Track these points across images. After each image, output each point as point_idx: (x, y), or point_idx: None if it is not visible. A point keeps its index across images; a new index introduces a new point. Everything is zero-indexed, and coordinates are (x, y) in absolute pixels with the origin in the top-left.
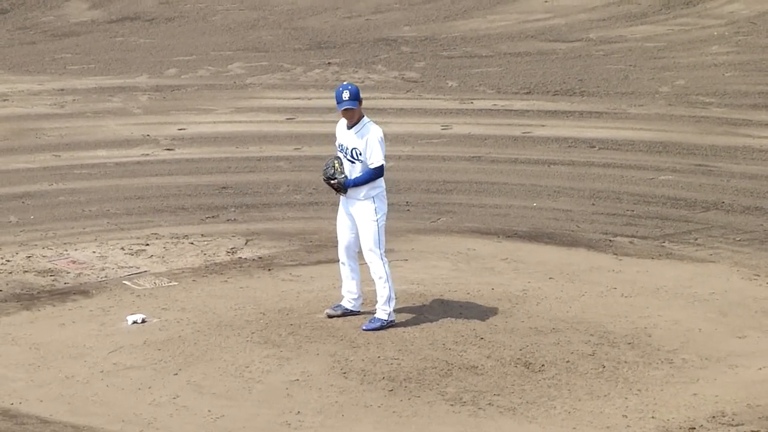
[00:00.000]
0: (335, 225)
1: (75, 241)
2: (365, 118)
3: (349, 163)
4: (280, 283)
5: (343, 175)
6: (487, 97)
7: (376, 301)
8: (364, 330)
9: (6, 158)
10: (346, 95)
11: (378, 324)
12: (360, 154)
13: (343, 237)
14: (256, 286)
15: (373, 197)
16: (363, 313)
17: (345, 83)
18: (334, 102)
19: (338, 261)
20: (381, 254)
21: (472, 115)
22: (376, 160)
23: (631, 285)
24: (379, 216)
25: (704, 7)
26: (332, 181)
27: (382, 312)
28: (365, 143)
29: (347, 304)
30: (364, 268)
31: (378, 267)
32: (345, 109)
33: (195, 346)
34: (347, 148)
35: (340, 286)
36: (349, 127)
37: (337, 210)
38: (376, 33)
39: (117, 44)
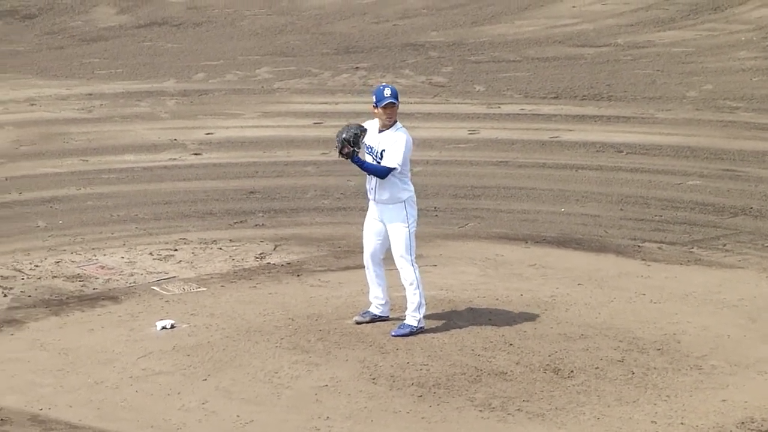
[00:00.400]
0: (363, 230)
1: (103, 246)
2: (398, 123)
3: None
4: (308, 288)
5: (359, 149)
6: (514, 101)
7: (406, 308)
8: (393, 336)
9: (34, 163)
10: (387, 92)
11: (407, 330)
12: None
13: (369, 243)
14: (284, 292)
15: (404, 201)
16: (392, 318)
17: (384, 84)
18: (361, 106)
19: (364, 267)
20: (412, 260)
21: (500, 120)
22: (390, 161)
23: (660, 291)
24: (410, 222)
25: (732, 12)
26: (348, 144)
27: (412, 318)
28: (393, 143)
29: (375, 310)
30: (390, 273)
31: (408, 273)
32: (386, 105)
33: (224, 352)
34: (377, 151)
35: (368, 292)
36: (381, 130)
37: (365, 215)
38: (404, 38)
39: (145, 49)
